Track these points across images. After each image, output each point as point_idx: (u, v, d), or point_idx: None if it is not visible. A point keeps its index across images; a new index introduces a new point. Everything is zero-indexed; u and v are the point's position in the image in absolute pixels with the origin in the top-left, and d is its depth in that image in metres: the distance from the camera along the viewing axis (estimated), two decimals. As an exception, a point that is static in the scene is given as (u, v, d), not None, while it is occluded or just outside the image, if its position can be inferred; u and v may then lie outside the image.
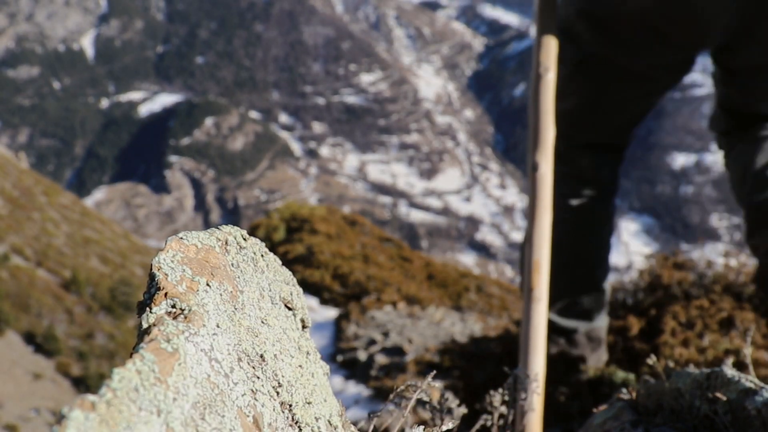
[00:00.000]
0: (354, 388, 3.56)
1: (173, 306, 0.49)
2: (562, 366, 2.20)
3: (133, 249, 25.15)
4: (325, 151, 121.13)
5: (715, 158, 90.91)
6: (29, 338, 15.38)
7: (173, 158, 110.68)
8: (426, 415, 2.21)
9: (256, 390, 0.51)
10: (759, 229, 1.87)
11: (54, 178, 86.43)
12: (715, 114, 2.09)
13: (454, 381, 2.71)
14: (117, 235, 26.10)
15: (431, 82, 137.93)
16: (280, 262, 0.68)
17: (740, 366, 1.69)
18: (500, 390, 1.03)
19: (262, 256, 0.65)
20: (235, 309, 0.55)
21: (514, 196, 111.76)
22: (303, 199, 78.77)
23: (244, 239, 0.63)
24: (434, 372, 0.76)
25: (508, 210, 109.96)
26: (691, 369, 0.99)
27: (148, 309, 0.49)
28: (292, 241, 9.06)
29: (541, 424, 1.32)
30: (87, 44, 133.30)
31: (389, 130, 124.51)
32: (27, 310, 16.02)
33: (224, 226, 0.62)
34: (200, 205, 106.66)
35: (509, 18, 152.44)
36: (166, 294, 0.50)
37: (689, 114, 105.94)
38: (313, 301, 6.98)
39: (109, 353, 16.36)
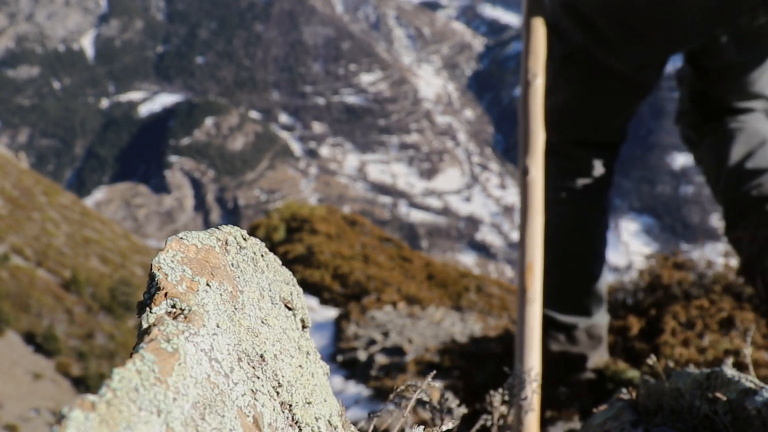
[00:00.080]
0: (354, 388, 3.56)
1: (173, 306, 0.49)
2: (562, 365, 2.19)
3: (133, 249, 25.16)
4: (325, 151, 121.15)
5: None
6: (29, 338, 15.39)
7: (173, 158, 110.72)
8: (426, 415, 2.21)
9: (256, 390, 0.51)
10: (739, 221, 1.89)
11: (54, 178, 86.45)
12: (682, 109, 2.13)
13: (454, 381, 2.70)
14: (117, 235, 26.10)
15: (431, 82, 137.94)
16: (280, 262, 0.68)
17: (740, 366, 1.69)
18: (500, 390, 1.03)
19: (262, 256, 0.65)
20: (235, 309, 0.55)
21: (514, 196, 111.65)
22: (303, 199, 78.77)
23: (244, 239, 0.63)
24: (434, 372, 0.76)
25: (508, 210, 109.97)
26: (691, 369, 0.99)
27: (148, 309, 0.49)
28: (292, 241, 9.06)
29: (539, 424, 1.32)
30: (87, 44, 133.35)
31: (389, 130, 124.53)
32: (27, 310, 16.03)
33: (224, 226, 0.62)
34: (200, 205, 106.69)
35: (509, 18, 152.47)
36: (166, 294, 0.50)
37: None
38: (313, 301, 6.98)
39: (109, 353, 16.37)
